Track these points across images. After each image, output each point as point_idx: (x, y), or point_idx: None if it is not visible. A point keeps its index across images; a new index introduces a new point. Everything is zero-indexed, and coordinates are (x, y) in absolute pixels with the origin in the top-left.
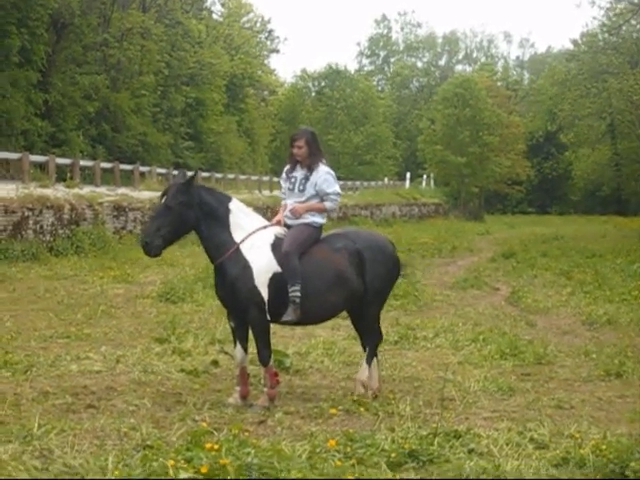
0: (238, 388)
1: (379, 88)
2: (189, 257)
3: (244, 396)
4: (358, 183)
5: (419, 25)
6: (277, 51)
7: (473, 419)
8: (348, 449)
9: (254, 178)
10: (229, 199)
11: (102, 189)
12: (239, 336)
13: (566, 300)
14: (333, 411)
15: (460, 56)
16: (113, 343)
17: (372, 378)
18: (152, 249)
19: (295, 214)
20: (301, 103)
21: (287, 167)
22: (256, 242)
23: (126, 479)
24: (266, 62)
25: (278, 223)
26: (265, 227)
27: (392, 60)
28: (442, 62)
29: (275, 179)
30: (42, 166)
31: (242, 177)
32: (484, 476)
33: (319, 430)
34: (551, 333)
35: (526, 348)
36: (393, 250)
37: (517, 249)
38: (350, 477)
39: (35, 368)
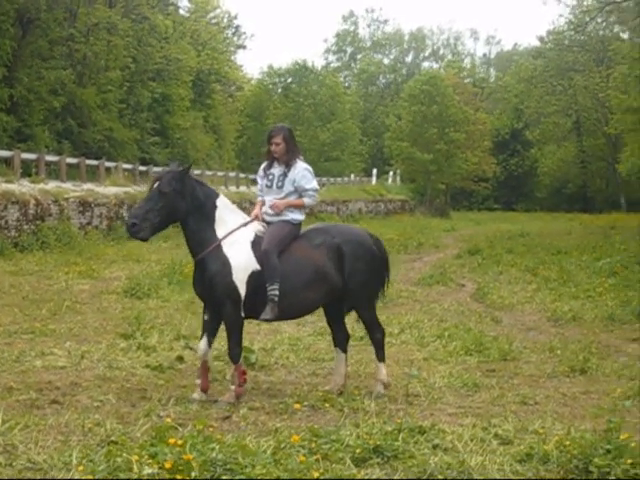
0: (198, 381)
1: (346, 84)
2: (155, 253)
3: (204, 389)
4: (325, 179)
5: (386, 22)
6: (244, 47)
7: (438, 415)
8: (313, 445)
9: (220, 174)
10: (217, 195)
11: (68, 184)
12: (208, 329)
13: (531, 296)
14: (297, 406)
15: (427, 53)
16: (78, 339)
17: (338, 374)
18: (139, 230)
19: (275, 210)
20: (268, 99)
21: (264, 164)
22: (237, 239)
23: (90, 478)
24: (233, 58)
25: (256, 218)
26: (246, 224)
27: (359, 57)
28: (409, 59)
29: (242, 175)
30: (7, 161)
31: (208, 173)
32: (448, 471)
33: (284, 426)
34: (516, 329)
35: (491, 344)
36: (373, 244)
37: (483, 246)
38: (315, 473)
39: None
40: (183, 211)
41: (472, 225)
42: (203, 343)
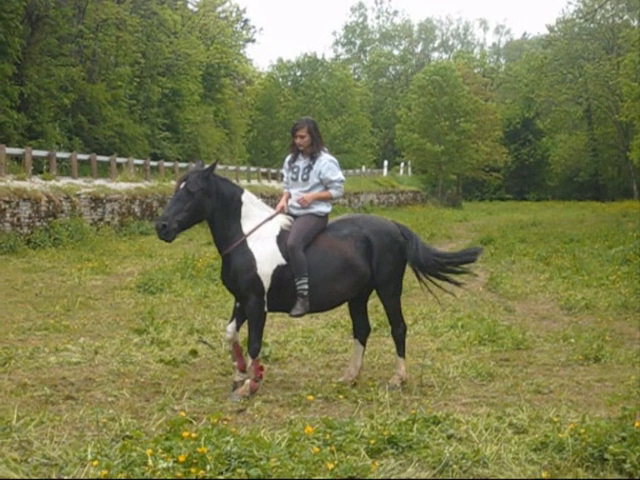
0: (235, 363)
1: (355, 76)
2: (167, 248)
3: (242, 369)
4: None
5: (395, 13)
6: (253, 41)
7: (452, 405)
8: (327, 436)
9: (231, 168)
10: (241, 191)
11: (79, 181)
12: (237, 315)
13: (544, 285)
14: (311, 398)
15: (436, 44)
16: (91, 334)
17: (353, 365)
18: (168, 232)
19: (303, 204)
20: (278, 93)
21: (289, 157)
22: (262, 234)
23: (104, 475)
24: (242, 52)
25: (282, 210)
26: (271, 217)
27: (368, 48)
28: (418, 50)
29: (252, 168)
30: (18, 158)
31: (219, 167)
32: (463, 461)
33: (298, 418)
34: (529, 318)
35: (505, 334)
36: (400, 234)
37: (495, 235)
38: (329, 464)
39: (13, 360)
40: (210, 209)
41: (484, 215)
42: (230, 326)
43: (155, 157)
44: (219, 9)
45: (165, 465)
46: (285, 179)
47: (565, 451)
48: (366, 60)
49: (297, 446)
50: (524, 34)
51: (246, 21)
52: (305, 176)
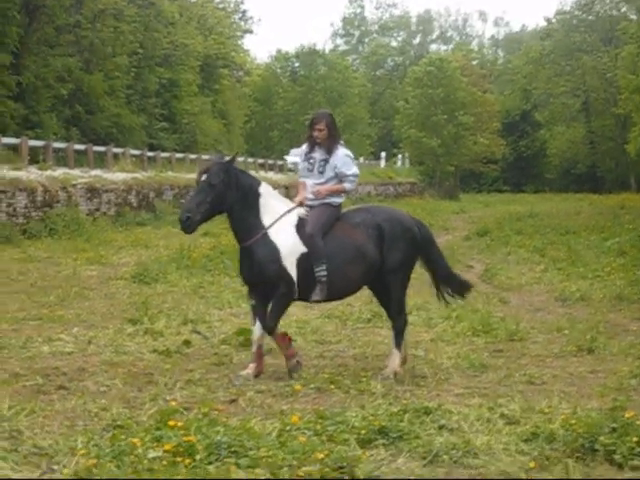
0: (252, 365)
1: (354, 68)
2: (163, 239)
3: (258, 374)
4: None
5: (393, 4)
6: (251, 32)
7: (444, 396)
8: (318, 426)
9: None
10: (259, 183)
11: (75, 171)
12: (258, 313)
13: (539, 277)
14: (298, 388)
15: (434, 35)
16: (85, 324)
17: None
18: (191, 224)
19: (318, 196)
20: (276, 84)
21: (305, 148)
22: (282, 225)
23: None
24: (240, 43)
25: (301, 203)
26: (290, 211)
27: (366, 40)
28: (416, 41)
29: (250, 159)
30: (15, 148)
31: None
32: (454, 452)
33: (290, 408)
34: (524, 310)
35: (498, 325)
36: (414, 225)
37: (491, 227)
38: (319, 454)
39: (6, 350)
40: (230, 201)
41: (481, 207)
42: (257, 328)
43: (152, 148)
44: (217, 0)
45: (155, 454)
46: (300, 169)
47: (556, 442)
48: (364, 51)
49: (288, 436)
50: (523, 26)
51: (244, 12)
52: (321, 169)
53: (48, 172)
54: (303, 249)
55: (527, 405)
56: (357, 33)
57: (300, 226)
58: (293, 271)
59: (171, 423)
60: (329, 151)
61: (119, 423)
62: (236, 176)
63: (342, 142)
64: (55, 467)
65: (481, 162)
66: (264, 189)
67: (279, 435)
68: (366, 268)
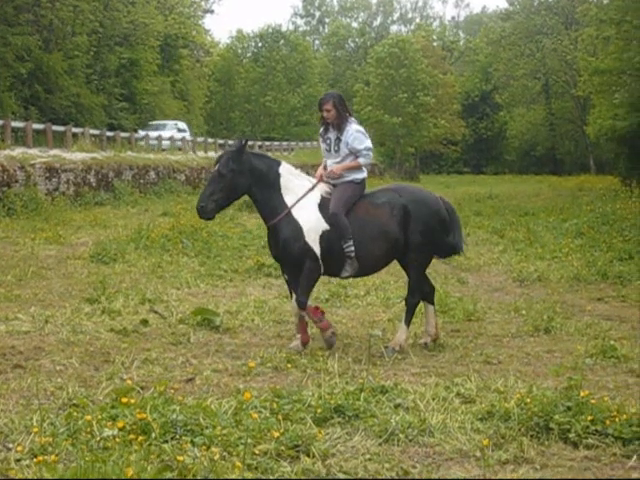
0: (299, 336)
1: (314, 48)
2: (122, 219)
3: (305, 343)
4: (294, 143)
5: None
6: (211, 11)
7: (401, 375)
8: (274, 405)
9: (189, 139)
10: (278, 163)
11: (34, 150)
12: (293, 287)
13: (498, 258)
14: (252, 365)
15: (395, 17)
16: (43, 304)
17: (430, 324)
18: (205, 213)
19: (333, 176)
20: (237, 64)
21: (321, 129)
22: (305, 203)
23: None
24: (200, 23)
25: (320, 179)
26: (312, 188)
27: (327, 21)
28: (377, 23)
29: (210, 140)
30: None
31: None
32: (409, 430)
33: (246, 387)
34: (482, 290)
35: (456, 305)
36: (442, 207)
37: None
38: (275, 432)
39: None
40: (245, 186)
41: (441, 188)
42: (294, 301)
43: (112, 127)
44: None
45: (110, 432)
46: (322, 149)
47: (511, 420)
48: (325, 32)
49: (244, 415)
50: (483, 7)
51: None
52: (336, 147)
53: (6, 151)
54: (325, 226)
55: (483, 384)
56: (318, 14)
57: (323, 204)
58: (317, 248)
59: (125, 400)
60: (340, 129)
61: (75, 402)
62: (249, 161)
63: (353, 119)
64: (10, 445)
65: (441, 143)
66: (284, 169)
67: (235, 414)
68: (390, 245)
